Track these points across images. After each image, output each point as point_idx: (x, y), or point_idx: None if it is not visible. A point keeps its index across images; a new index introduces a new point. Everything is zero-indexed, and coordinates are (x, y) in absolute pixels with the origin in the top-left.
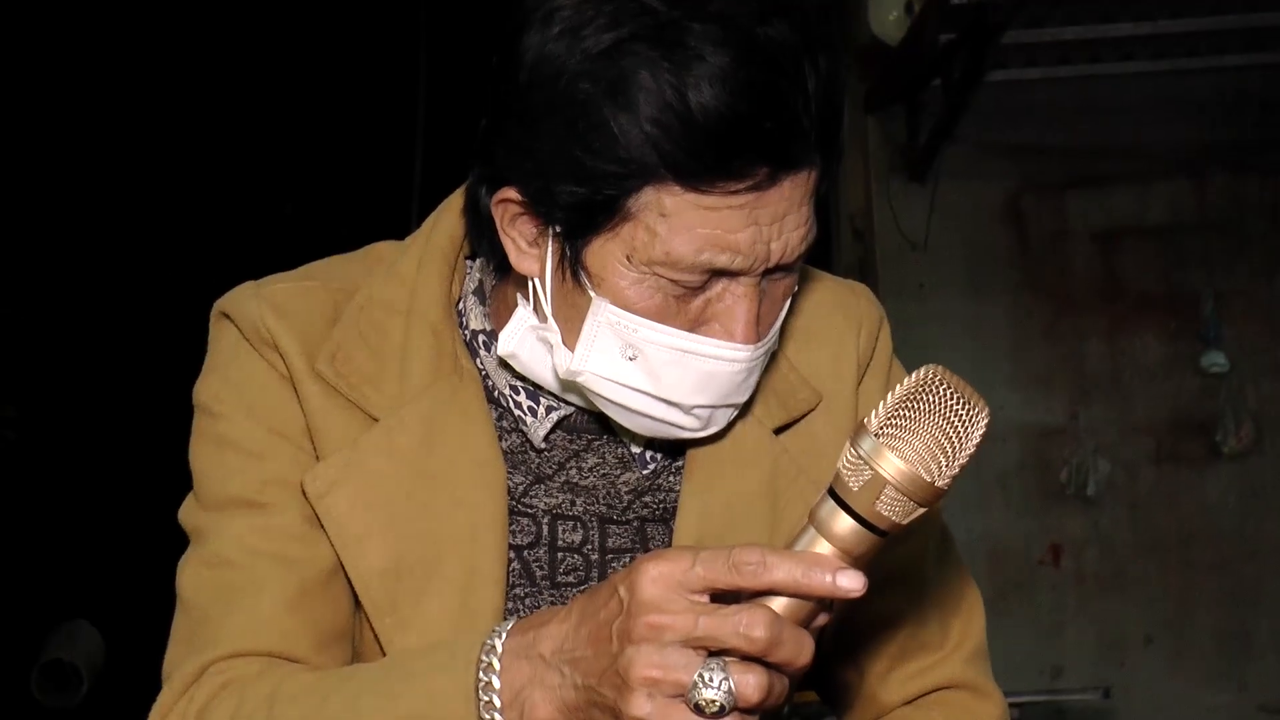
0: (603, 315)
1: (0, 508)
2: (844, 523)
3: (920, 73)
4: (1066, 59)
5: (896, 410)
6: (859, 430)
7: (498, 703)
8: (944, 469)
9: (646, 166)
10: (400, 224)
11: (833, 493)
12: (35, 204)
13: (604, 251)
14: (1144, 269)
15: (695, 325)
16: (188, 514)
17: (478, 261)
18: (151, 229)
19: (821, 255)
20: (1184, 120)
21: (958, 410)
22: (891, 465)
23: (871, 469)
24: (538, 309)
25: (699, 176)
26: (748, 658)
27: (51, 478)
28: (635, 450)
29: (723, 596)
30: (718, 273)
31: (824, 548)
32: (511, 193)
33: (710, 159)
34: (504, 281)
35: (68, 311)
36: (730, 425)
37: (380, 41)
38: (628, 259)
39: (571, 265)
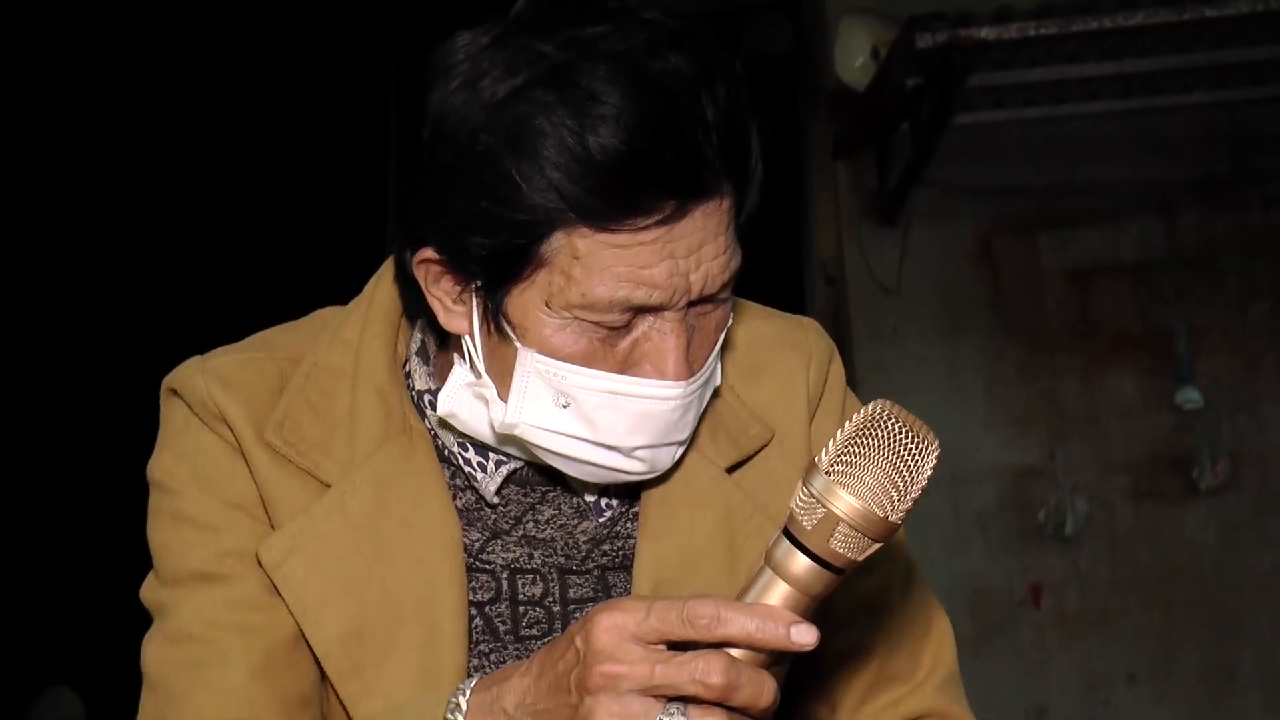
0: (530, 365)
1: None
2: (800, 562)
3: (888, 117)
4: (1033, 100)
5: (846, 447)
6: (810, 469)
7: None
8: (896, 504)
9: (553, 212)
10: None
11: (787, 532)
12: (6, 275)
13: (523, 300)
14: (1117, 307)
15: (625, 367)
16: (149, 591)
17: (419, 321)
18: (128, 294)
19: (794, 301)
20: (1153, 158)
21: (908, 445)
22: (844, 503)
23: (824, 507)
24: (473, 366)
25: (606, 216)
26: (709, 703)
27: (27, 546)
28: (590, 499)
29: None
30: (639, 309)
31: (781, 588)
32: (429, 252)
33: (615, 197)
34: (445, 342)
35: (39, 380)
36: (682, 465)
37: (351, 102)
38: (547, 305)
39: (494, 318)
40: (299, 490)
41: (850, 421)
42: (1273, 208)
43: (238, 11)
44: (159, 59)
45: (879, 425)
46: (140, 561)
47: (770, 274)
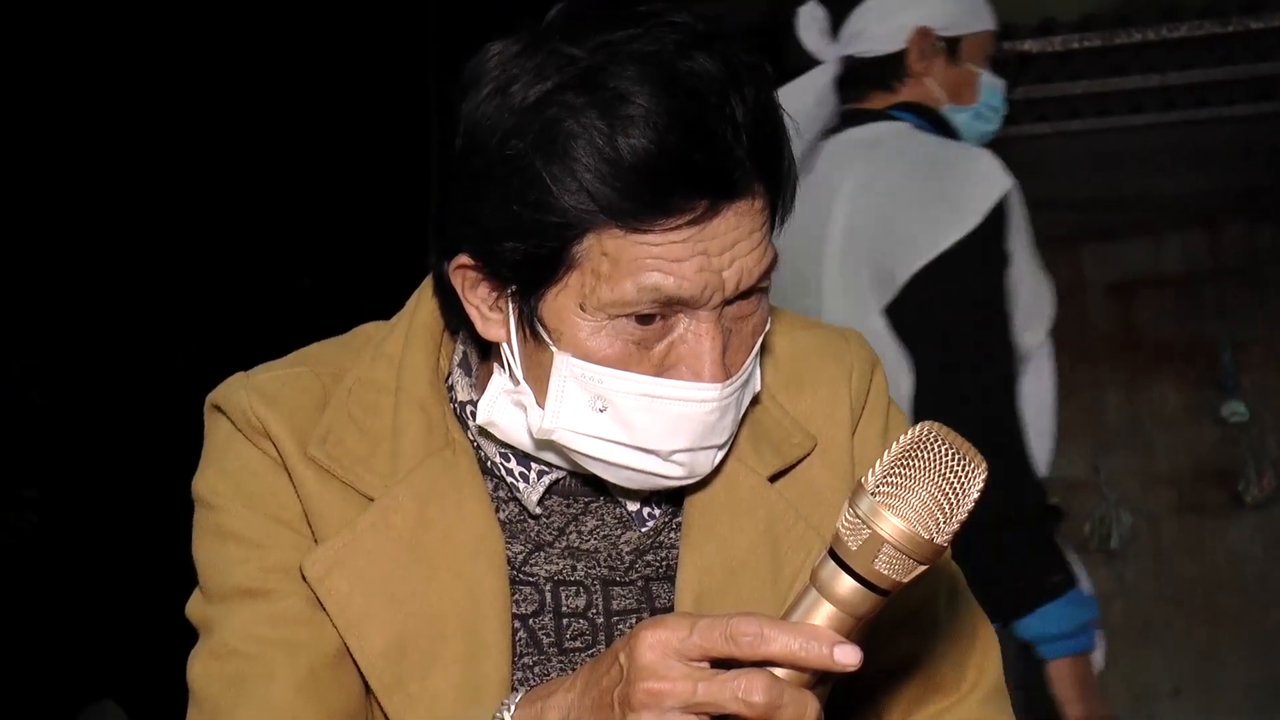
0: (567, 369)
1: (25, 590)
2: (845, 583)
3: None
4: (1076, 113)
5: (893, 469)
6: (856, 490)
7: None
8: (942, 527)
9: (584, 214)
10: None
11: (833, 553)
12: (57, 292)
13: (558, 304)
14: (1160, 319)
15: (662, 370)
16: (194, 608)
17: (461, 334)
18: (173, 309)
19: None
20: (1195, 170)
21: (954, 467)
22: (889, 525)
23: (870, 528)
24: (511, 373)
25: (637, 217)
26: None
27: (74, 560)
28: (633, 508)
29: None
30: (671, 301)
31: (826, 609)
32: (465, 259)
33: (646, 198)
34: (487, 353)
35: (88, 397)
36: (723, 474)
37: (394, 120)
38: (581, 307)
39: (530, 323)
40: (342, 504)
41: (897, 443)
42: None
43: (286, 35)
44: (207, 83)
45: (926, 447)
46: (186, 577)
47: None
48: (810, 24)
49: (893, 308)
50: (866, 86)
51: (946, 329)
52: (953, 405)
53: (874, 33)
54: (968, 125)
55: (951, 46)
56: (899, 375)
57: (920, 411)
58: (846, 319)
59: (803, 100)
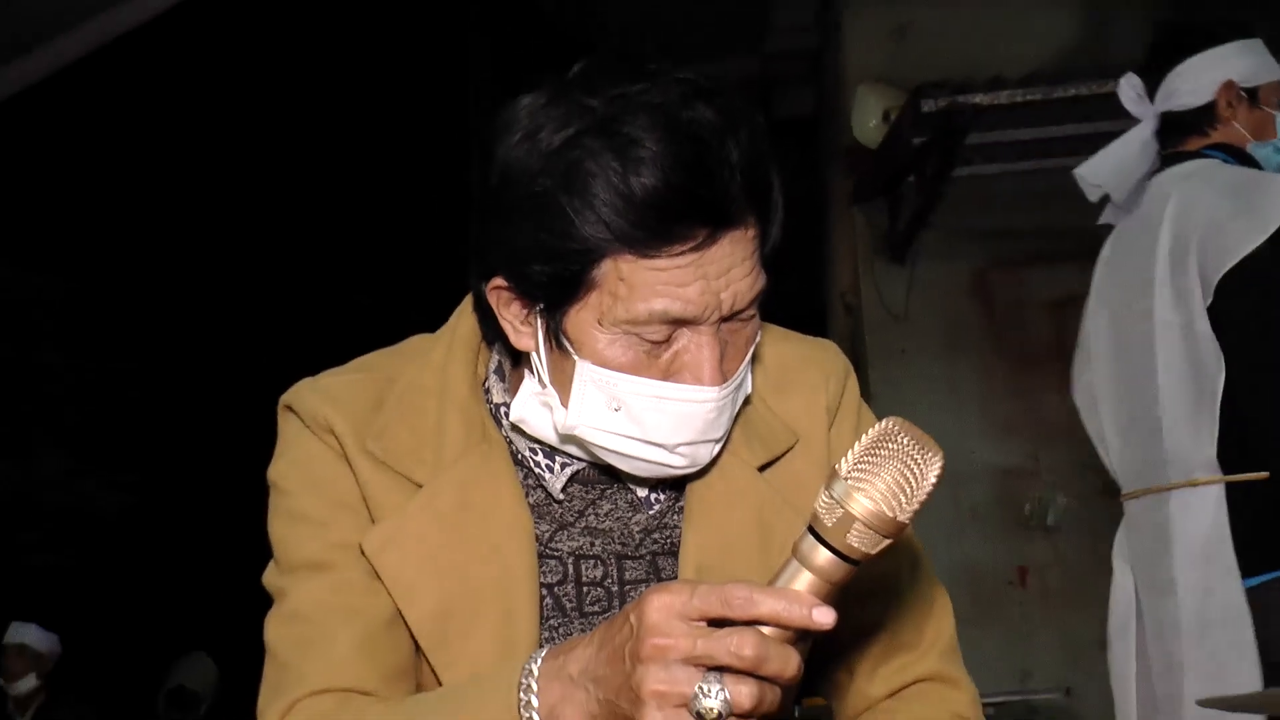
0: (587, 374)
1: (128, 560)
2: (822, 555)
3: (898, 171)
4: (1023, 155)
5: (863, 457)
6: (831, 476)
7: (536, 718)
8: (905, 506)
9: (602, 242)
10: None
11: (811, 529)
12: (154, 307)
13: (579, 319)
14: None
15: (668, 375)
16: (270, 577)
17: (497, 345)
18: (252, 323)
19: (817, 326)
20: None
21: (915, 456)
22: (860, 505)
23: (843, 508)
24: (539, 378)
25: (647, 244)
26: (742, 672)
27: (168, 535)
28: (642, 494)
29: (722, 620)
30: (677, 322)
31: (806, 576)
32: (499, 280)
33: (654, 228)
34: (518, 361)
35: (181, 396)
36: (720, 465)
37: (436, 160)
38: (599, 323)
39: (555, 335)
40: (395, 491)
41: (867, 435)
42: None
43: (345, 107)
44: (287, 141)
45: (891, 439)
46: (263, 550)
47: (797, 304)
48: (1129, 91)
49: (1210, 309)
50: (1182, 134)
51: (1256, 326)
52: (1266, 398)
53: (1187, 89)
54: (1268, 159)
55: (1251, 95)
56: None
57: (1234, 405)
58: (1177, 321)
59: (1127, 150)
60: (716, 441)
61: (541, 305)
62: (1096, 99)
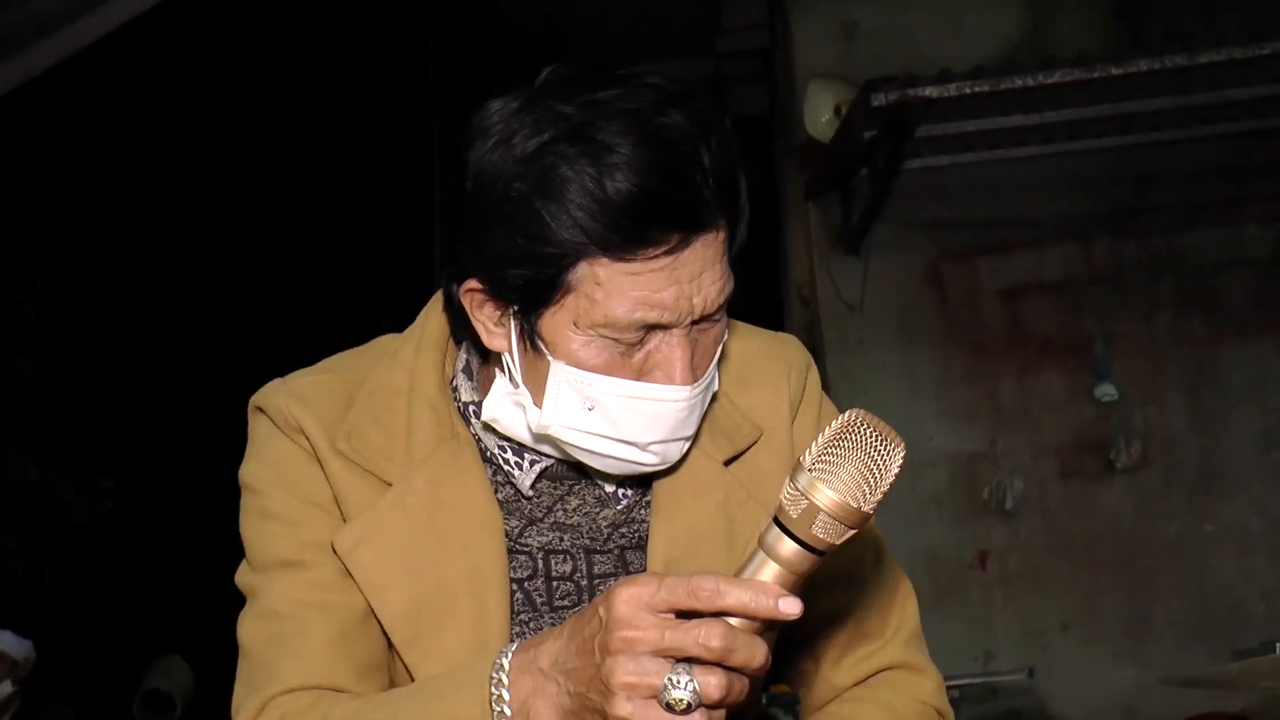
0: (561, 375)
1: (104, 564)
2: (787, 546)
3: (850, 165)
4: (971, 147)
5: (826, 449)
6: (796, 468)
7: (508, 711)
8: (868, 497)
9: (577, 246)
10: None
11: (777, 521)
12: (128, 315)
13: (554, 321)
14: (1044, 319)
15: (640, 375)
16: (242, 576)
17: (465, 343)
18: (223, 327)
19: (775, 320)
20: (1071, 194)
21: (878, 447)
22: (824, 496)
23: (808, 499)
24: (511, 378)
25: (622, 248)
26: (710, 663)
27: (144, 538)
28: (609, 490)
29: (690, 612)
30: (651, 327)
31: (771, 567)
32: (473, 283)
33: (629, 232)
34: (486, 359)
35: (155, 401)
36: (686, 460)
37: (400, 168)
38: (574, 325)
39: (530, 337)
40: (365, 489)
41: (830, 427)
42: (1171, 234)
43: (310, 113)
44: (255, 149)
45: (854, 430)
46: (235, 551)
47: (755, 297)
48: None
49: None
50: None
51: None
52: None
53: None
54: None
55: None
56: None
57: None
58: None
59: None
60: (687, 439)
61: (516, 308)
62: (1042, 90)
